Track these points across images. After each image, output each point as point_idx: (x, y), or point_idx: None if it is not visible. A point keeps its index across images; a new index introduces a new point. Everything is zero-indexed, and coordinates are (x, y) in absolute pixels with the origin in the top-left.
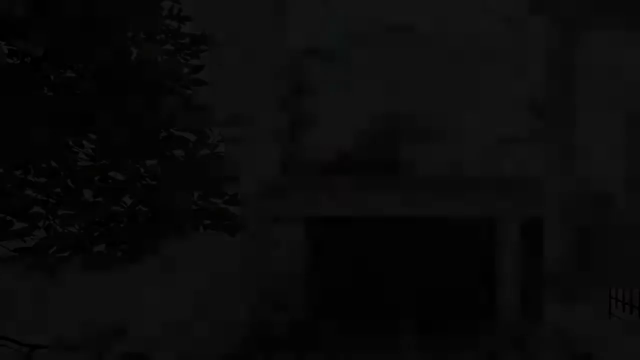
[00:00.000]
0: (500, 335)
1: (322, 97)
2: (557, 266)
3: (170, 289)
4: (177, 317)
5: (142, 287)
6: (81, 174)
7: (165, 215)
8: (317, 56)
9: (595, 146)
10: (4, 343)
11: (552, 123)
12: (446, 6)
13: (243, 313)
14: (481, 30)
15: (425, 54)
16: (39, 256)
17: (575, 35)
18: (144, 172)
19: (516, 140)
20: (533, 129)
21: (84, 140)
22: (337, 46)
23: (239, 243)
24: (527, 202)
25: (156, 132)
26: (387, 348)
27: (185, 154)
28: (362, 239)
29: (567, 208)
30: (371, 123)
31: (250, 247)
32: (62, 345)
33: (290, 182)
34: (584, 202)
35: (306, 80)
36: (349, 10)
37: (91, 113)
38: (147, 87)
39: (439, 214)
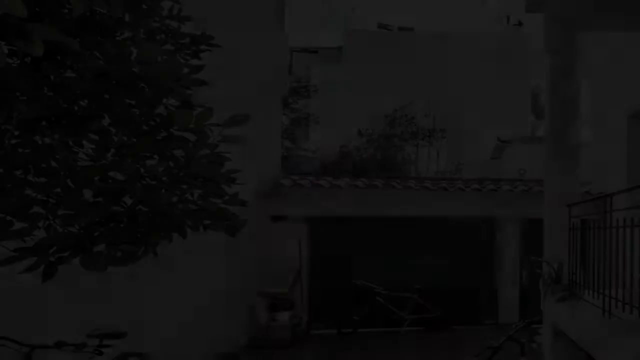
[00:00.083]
0: (500, 335)
1: (322, 97)
2: (557, 266)
3: (170, 289)
4: (177, 318)
5: (142, 287)
6: (81, 174)
7: (165, 215)
8: (317, 56)
9: (595, 146)
10: (4, 343)
11: (552, 123)
12: (446, 6)
13: (243, 313)
14: (481, 30)
15: (425, 54)
16: (39, 256)
17: (575, 35)
18: (144, 172)
19: (516, 140)
20: (533, 129)
21: (84, 140)
22: (337, 46)
23: (239, 243)
24: (527, 202)
25: (156, 132)
26: (387, 348)
27: (185, 154)
28: (362, 238)
29: (567, 208)
30: (371, 123)
31: (250, 247)
32: (62, 345)
33: (290, 182)
34: (584, 202)
35: (306, 80)
36: (348, 10)
37: (91, 113)
38: (147, 87)
39: (439, 214)
